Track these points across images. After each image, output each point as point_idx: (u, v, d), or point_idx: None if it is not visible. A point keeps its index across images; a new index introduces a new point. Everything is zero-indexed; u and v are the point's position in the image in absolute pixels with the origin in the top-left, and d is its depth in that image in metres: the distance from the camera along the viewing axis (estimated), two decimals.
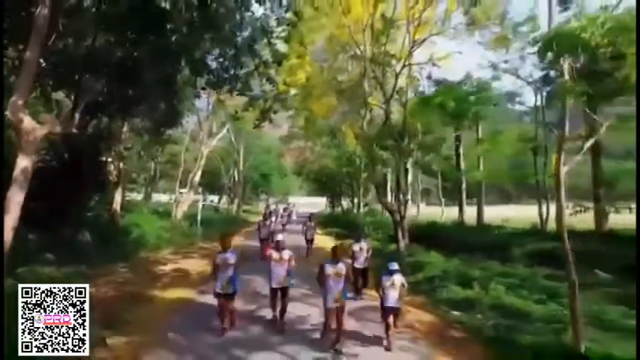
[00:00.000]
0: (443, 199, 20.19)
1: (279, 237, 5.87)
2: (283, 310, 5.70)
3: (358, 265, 7.59)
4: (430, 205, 38.09)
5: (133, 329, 5.46)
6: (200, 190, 37.67)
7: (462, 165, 15.40)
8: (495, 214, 18.42)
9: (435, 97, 10.81)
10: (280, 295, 5.65)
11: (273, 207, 22.61)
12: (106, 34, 9.24)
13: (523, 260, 9.50)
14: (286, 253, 5.61)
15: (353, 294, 7.25)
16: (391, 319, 5.09)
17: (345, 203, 28.99)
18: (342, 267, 5.00)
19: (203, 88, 9.01)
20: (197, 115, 21.40)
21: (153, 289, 7.93)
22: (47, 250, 9.56)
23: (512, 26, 9.62)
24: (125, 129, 16.02)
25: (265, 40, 7.21)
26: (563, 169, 4.35)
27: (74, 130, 7.26)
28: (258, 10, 7.70)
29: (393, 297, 5.12)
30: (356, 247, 7.71)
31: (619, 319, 5.92)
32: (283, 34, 7.73)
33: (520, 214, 18.66)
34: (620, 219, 11.32)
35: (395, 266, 5.32)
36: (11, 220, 5.62)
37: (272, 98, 7.95)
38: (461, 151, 15.04)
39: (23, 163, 5.98)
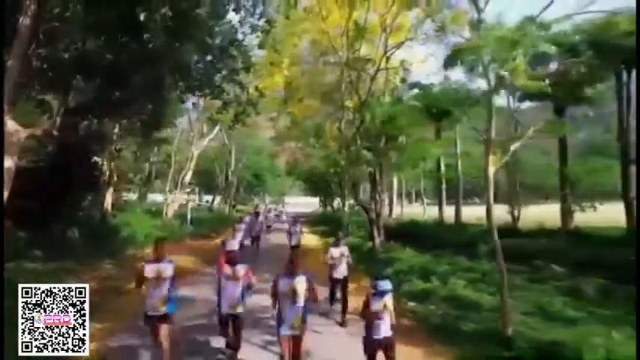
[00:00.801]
0: (425, 199, 20.75)
1: (232, 246, 4.66)
2: (236, 346, 4.53)
3: (337, 275, 6.29)
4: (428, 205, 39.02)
5: (108, 317, 5.91)
6: (197, 190, 38.41)
7: (442, 165, 15.95)
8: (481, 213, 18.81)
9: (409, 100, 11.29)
10: (232, 325, 4.49)
11: (262, 207, 22.76)
12: (90, 40, 9.66)
13: (489, 256, 9.94)
14: (241, 268, 4.42)
15: (329, 309, 6.37)
16: (381, 354, 3.83)
17: (336, 203, 29.51)
18: (299, 282, 3.79)
19: (182, 92, 9.43)
20: (188, 116, 21.88)
21: (133, 282, 8.34)
22: (36, 247, 9.99)
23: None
24: (116, 130, 16.47)
25: (238, 48, 7.64)
26: (491, 171, 4.78)
27: (55, 133, 7.67)
28: (234, 17, 8.12)
29: (385, 326, 3.79)
30: (335, 253, 6.30)
31: (562, 309, 6.35)
32: (256, 41, 8.17)
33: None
34: (586, 217, 11.80)
35: (387, 286, 3.80)
36: None
37: (244, 102, 8.38)
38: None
39: (7, 163, 6.39)
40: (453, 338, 5.23)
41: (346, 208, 17.71)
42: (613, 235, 10.00)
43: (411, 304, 6.88)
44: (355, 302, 6.02)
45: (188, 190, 37.22)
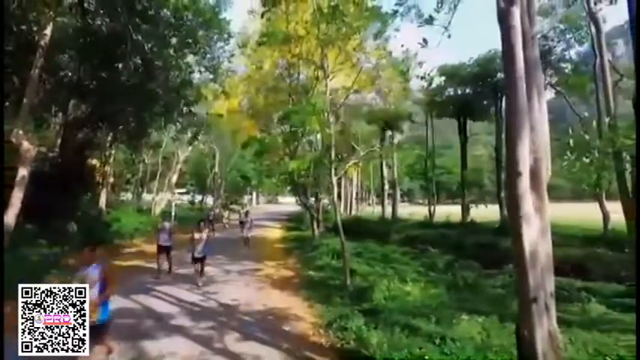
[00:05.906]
0: (376, 198, 23.53)
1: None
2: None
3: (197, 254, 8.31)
4: (415, 205, 42.64)
5: None
6: (191, 190, 41.04)
7: (385, 170, 18.70)
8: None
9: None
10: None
11: (216, 211, 23.28)
12: (84, 72, 12.40)
13: (398, 242, 12.65)
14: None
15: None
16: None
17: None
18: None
19: (156, 114, 12.16)
20: (175, 125, 24.56)
21: (114, 260, 11.08)
22: (41, 237, 12.65)
23: (392, 64, 12.82)
24: (109, 138, 19.14)
25: (190, 86, 10.38)
26: (334, 179, 7.42)
27: (56, 148, 10.38)
28: (192, 59, 10.87)
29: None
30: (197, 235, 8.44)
31: (409, 274, 8.92)
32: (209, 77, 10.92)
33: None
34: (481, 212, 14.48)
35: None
36: (14, 211, 8.73)
37: (199, 125, 11.08)
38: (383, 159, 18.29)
39: (22, 172, 9.11)
40: (316, 288, 7.86)
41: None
42: (491, 227, 12.73)
43: (311, 272, 9.51)
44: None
45: (183, 190, 39.91)
